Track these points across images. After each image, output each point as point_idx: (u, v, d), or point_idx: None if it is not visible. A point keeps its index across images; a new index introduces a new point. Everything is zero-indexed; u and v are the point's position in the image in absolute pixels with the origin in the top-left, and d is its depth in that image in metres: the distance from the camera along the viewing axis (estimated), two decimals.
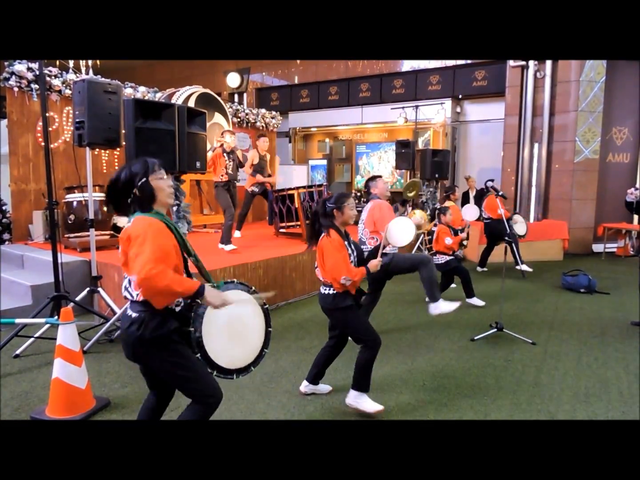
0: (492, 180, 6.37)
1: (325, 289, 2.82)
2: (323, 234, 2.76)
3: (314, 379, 3.07)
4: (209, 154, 5.75)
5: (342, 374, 3.38)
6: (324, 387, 3.12)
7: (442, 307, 3.85)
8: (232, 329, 2.04)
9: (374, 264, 2.78)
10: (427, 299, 4.05)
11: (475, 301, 5.18)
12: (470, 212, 5.77)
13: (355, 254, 2.83)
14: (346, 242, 2.78)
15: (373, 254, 2.93)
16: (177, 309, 1.91)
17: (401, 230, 3.18)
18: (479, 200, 8.99)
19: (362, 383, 2.81)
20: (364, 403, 2.80)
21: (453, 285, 5.45)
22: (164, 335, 1.83)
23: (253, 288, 2.15)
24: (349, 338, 2.97)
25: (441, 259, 4.99)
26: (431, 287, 3.92)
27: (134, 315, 1.85)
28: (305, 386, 3.10)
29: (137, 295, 1.84)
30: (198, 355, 1.92)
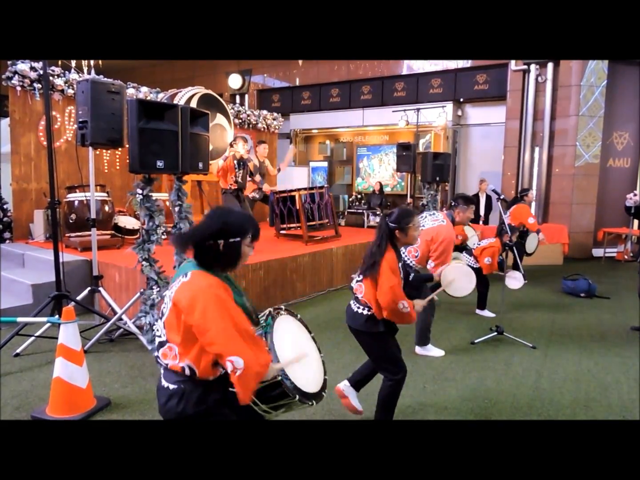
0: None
1: (358, 307, 2.50)
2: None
3: (357, 385, 2.80)
4: (220, 162, 5.71)
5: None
6: (357, 402, 2.80)
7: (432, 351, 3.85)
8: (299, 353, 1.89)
9: (420, 305, 2.49)
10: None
11: (486, 313, 5.06)
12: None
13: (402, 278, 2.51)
14: (400, 265, 2.48)
15: (416, 284, 2.58)
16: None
17: (465, 282, 2.80)
18: (488, 205, 8.93)
19: (384, 419, 2.54)
20: None
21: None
22: (207, 409, 1.64)
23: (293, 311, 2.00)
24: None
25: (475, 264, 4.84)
26: (422, 331, 3.84)
27: (172, 387, 1.63)
28: (346, 386, 2.81)
29: (171, 364, 1.62)
30: (297, 397, 1.71)
